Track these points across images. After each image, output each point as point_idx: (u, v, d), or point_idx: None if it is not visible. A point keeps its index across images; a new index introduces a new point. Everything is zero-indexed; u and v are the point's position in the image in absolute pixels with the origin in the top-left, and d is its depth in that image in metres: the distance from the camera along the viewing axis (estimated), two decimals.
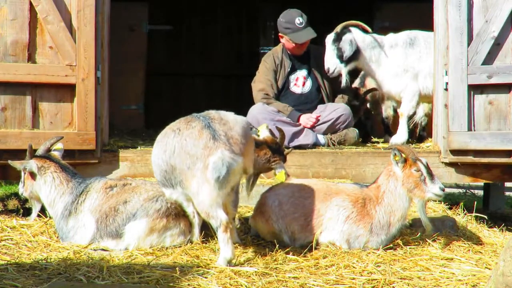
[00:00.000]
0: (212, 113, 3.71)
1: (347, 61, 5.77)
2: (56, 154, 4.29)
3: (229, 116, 3.70)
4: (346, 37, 5.77)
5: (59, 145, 4.35)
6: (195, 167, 3.48)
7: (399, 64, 5.80)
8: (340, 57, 5.74)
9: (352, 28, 5.82)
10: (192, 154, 3.48)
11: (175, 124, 3.69)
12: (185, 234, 3.95)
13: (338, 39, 5.76)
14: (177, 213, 3.93)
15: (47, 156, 4.22)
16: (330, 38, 5.82)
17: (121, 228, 3.86)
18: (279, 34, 6.02)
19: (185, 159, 3.51)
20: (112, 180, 4.18)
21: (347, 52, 5.73)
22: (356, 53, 5.78)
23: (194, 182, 3.50)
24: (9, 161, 4.23)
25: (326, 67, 5.82)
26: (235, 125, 3.62)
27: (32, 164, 4.14)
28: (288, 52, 6.05)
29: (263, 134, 4.21)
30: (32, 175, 4.16)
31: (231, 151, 3.47)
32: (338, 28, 5.78)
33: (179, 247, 3.86)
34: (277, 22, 5.99)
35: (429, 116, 6.59)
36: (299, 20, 5.83)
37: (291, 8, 6.00)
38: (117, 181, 4.13)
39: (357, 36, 5.80)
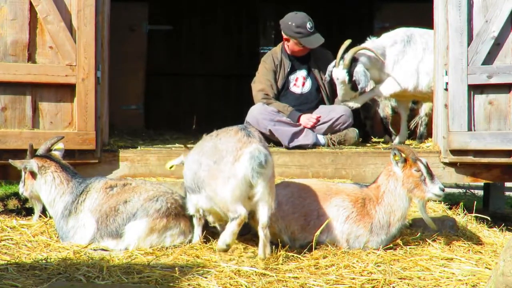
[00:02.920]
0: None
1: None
2: (57, 154, 4.30)
3: None
4: (358, 69, 5.62)
5: (60, 145, 4.35)
6: (223, 161, 3.50)
7: (396, 61, 5.82)
8: (353, 87, 5.70)
9: (360, 57, 5.69)
10: (222, 149, 3.53)
11: (214, 132, 3.78)
12: (185, 234, 3.95)
13: (350, 74, 5.64)
14: (177, 213, 3.93)
15: (47, 155, 4.23)
16: (342, 75, 5.65)
17: (121, 228, 3.86)
18: (285, 36, 5.97)
19: (213, 154, 3.56)
20: (112, 180, 4.18)
21: (363, 83, 5.60)
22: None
23: (220, 178, 3.50)
24: (10, 160, 4.23)
25: (341, 101, 5.85)
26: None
27: (33, 163, 4.14)
28: (288, 52, 6.05)
29: None
30: (33, 175, 4.16)
31: (265, 147, 3.55)
32: (347, 62, 5.58)
33: (179, 247, 3.86)
34: (284, 25, 5.92)
35: (430, 115, 6.60)
36: (310, 25, 5.83)
37: (295, 10, 5.97)
38: (117, 181, 4.13)
39: (365, 61, 5.71)
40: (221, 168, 3.50)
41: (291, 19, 5.89)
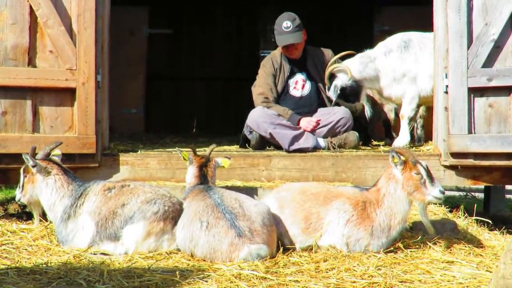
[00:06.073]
0: (236, 207, 3.79)
1: (351, 98, 5.97)
2: (55, 159, 4.29)
3: (251, 208, 3.81)
4: (332, 85, 5.90)
5: (57, 151, 4.35)
6: (219, 259, 3.65)
7: (396, 69, 5.83)
8: (345, 98, 5.93)
9: (337, 73, 5.87)
10: (217, 248, 3.66)
11: (202, 213, 3.78)
12: None
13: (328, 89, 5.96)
14: (174, 217, 3.92)
15: (48, 159, 4.23)
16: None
17: (119, 231, 3.86)
18: None
19: (209, 251, 3.68)
20: (110, 182, 4.17)
21: (333, 98, 5.89)
22: (354, 83, 5.89)
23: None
24: (23, 154, 4.16)
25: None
26: (256, 217, 3.75)
27: (40, 164, 4.14)
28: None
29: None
30: (33, 178, 4.15)
31: (255, 242, 3.66)
32: (326, 81, 5.89)
33: (178, 250, 3.86)
34: None
35: (424, 117, 6.62)
36: (287, 23, 5.85)
37: (289, 11, 6.01)
38: (115, 183, 4.13)
39: (343, 78, 5.86)
40: (218, 261, 3.67)
41: (277, 18, 5.95)
